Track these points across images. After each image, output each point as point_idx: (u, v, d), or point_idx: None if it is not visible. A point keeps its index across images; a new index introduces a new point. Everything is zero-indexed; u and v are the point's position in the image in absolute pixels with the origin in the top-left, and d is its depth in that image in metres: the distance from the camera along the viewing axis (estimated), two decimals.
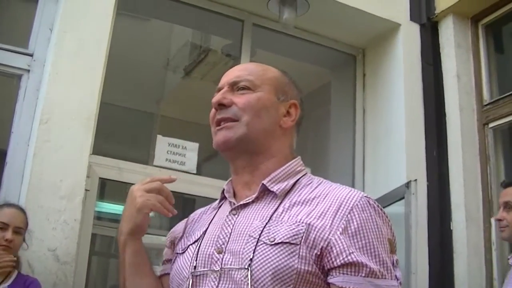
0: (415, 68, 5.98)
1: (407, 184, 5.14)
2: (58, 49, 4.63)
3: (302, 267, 1.57)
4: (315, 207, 1.68)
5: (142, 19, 7.04)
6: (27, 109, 4.58)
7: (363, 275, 1.55)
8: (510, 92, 5.49)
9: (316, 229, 1.61)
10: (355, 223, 1.62)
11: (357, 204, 1.66)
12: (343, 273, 1.56)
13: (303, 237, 1.59)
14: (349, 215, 1.63)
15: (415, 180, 5.20)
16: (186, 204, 7.85)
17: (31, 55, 4.74)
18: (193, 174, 5.27)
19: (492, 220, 5.29)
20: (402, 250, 4.92)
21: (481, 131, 5.66)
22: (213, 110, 1.88)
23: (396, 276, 1.62)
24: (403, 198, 5.11)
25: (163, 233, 5.84)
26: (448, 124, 5.74)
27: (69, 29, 4.71)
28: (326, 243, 1.59)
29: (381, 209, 1.71)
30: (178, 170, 5.19)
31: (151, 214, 1.87)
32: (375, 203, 1.71)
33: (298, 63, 6.65)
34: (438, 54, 6.03)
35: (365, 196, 1.71)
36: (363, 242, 1.60)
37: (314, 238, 1.60)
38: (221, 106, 1.85)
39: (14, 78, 4.71)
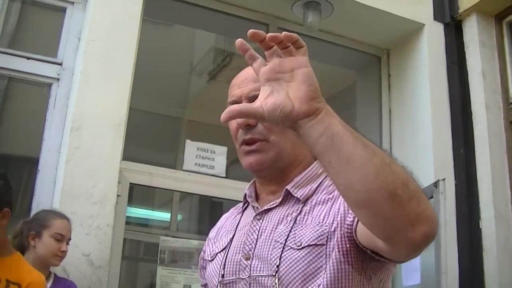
0: (440, 67, 5.98)
1: (436, 184, 5.13)
2: (87, 57, 4.70)
3: (330, 265, 1.57)
4: (332, 204, 1.67)
5: (166, 24, 7.09)
6: (57, 117, 4.66)
7: None
8: None
9: (337, 221, 1.62)
10: None
11: None
12: None
13: (328, 237, 1.60)
14: None
15: (444, 179, 5.18)
16: (213, 208, 7.90)
17: (60, 64, 4.82)
18: (222, 177, 5.32)
19: None
20: (431, 250, 4.91)
21: (508, 129, 5.65)
22: (235, 126, 1.83)
23: None
24: (431, 197, 5.11)
25: (192, 237, 5.90)
26: (474, 123, 5.73)
27: (97, 37, 4.77)
28: (341, 216, 1.61)
29: None
30: (208, 174, 5.25)
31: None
32: None
33: (323, 65, 6.66)
34: (463, 53, 6.01)
35: None
36: None
37: (337, 227, 1.61)
38: (248, 126, 1.78)
39: (44, 87, 4.79)
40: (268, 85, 1.36)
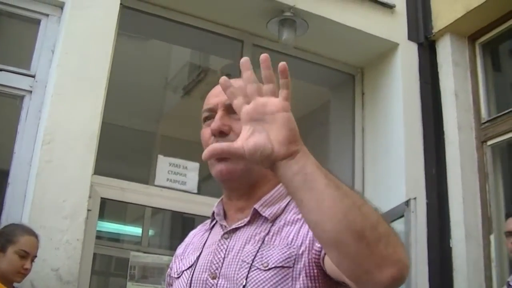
0: (413, 86, 6.03)
1: (407, 202, 5.16)
2: (60, 70, 4.66)
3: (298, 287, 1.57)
4: (301, 225, 1.67)
5: (141, 39, 7.07)
6: (29, 129, 4.61)
7: None
8: (508, 110, 5.54)
9: (306, 245, 1.62)
10: None
11: None
12: None
13: (296, 259, 1.60)
14: None
15: (415, 198, 5.21)
16: (185, 223, 7.87)
17: (33, 76, 4.78)
18: (194, 193, 5.29)
19: (492, 237, 5.31)
20: None
21: (480, 148, 5.70)
22: (208, 134, 1.82)
23: None
24: (402, 216, 5.13)
25: (163, 252, 5.87)
26: (446, 142, 5.78)
27: (71, 50, 4.74)
28: (309, 240, 1.61)
29: None
30: (180, 190, 5.23)
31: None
32: None
33: (297, 82, 6.66)
34: (436, 73, 6.07)
35: None
36: None
37: (305, 250, 1.61)
38: (221, 133, 1.78)
39: (17, 99, 4.74)
40: (250, 125, 1.41)
